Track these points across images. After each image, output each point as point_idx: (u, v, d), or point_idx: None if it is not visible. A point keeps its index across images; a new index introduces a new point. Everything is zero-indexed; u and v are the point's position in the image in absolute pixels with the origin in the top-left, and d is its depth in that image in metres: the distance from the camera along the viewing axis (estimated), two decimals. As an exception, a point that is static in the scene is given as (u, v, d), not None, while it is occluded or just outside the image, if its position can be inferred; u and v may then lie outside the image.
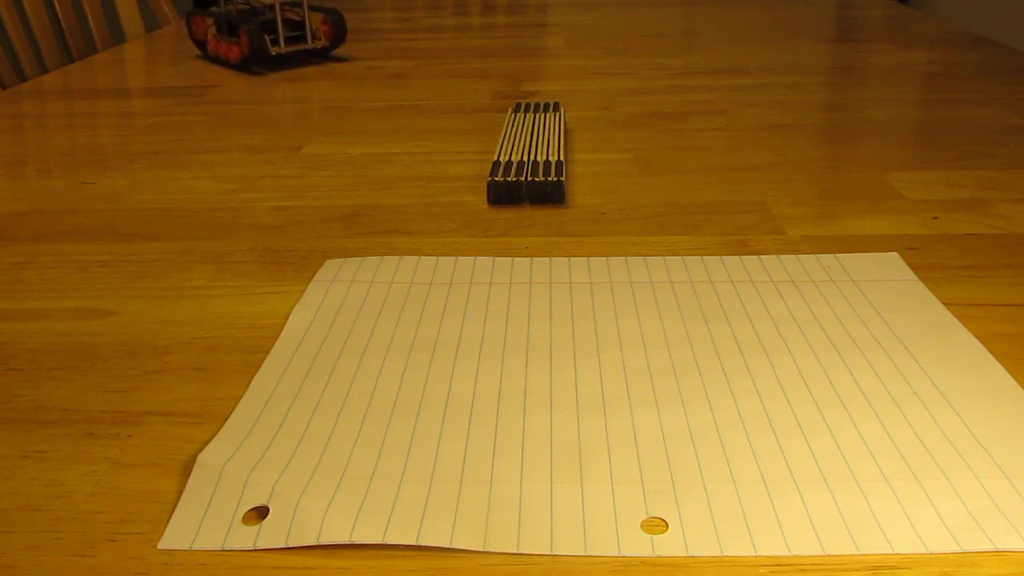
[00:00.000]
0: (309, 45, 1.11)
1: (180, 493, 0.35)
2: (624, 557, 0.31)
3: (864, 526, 0.32)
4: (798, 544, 0.32)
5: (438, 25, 1.44)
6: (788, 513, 0.33)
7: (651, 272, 0.52)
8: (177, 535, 0.33)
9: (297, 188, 0.69)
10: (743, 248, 0.56)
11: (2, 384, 0.43)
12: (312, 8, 1.12)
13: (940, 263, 0.54)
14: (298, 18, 1.12)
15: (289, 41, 1.10)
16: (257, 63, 1.10)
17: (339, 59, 1.16)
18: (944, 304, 0.48)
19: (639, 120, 0.86)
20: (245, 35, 1.05)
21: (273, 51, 1.07)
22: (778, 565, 0.31)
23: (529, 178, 0.64)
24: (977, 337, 0.45)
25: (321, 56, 1.17)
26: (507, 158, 0.69)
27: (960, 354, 0.43)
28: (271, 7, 1.08)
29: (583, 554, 0.32)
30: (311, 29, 1.11)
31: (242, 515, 0.33)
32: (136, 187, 0.69)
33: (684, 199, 0.65)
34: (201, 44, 1.15)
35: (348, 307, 0.49)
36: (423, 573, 0.31)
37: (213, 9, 1.14)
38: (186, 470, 0.36)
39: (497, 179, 0.64)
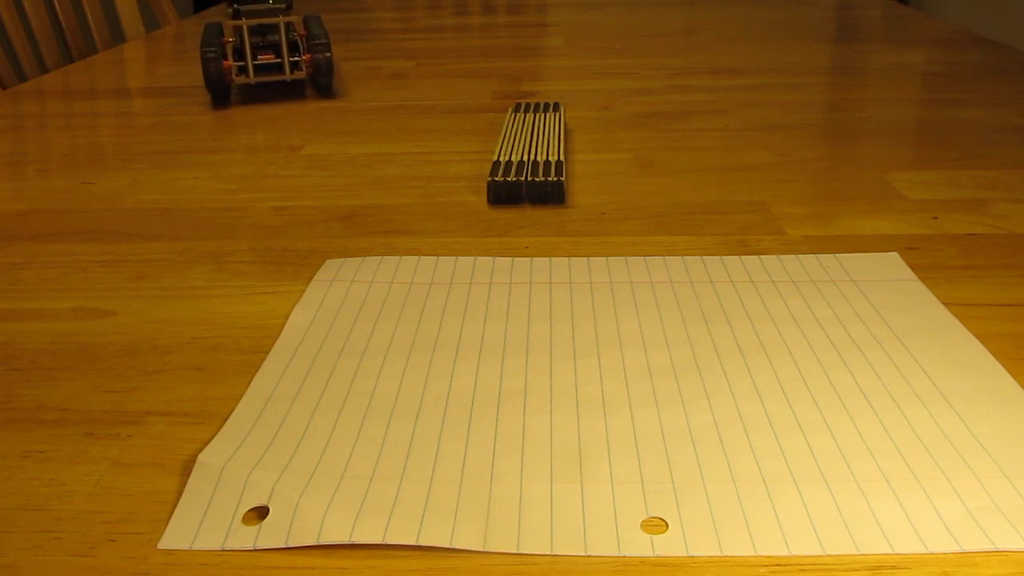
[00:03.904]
0: (288, 76, 0.95)
1: (180, 493, 0.35)
2: (624, 557, 0.31)
3: (864, 526, 0.32)
4: (798, 544, 0.32)
5: (438, 25, 1.44)
6: (788, 513, 0.33)
7: (651, 272, 0.52)
8: (177, 535, 0.33)
9: (297, 188, 0.69)
10: (743, 248, 0.56)
11: (2, 384, 0.43)
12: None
13: (940, 263, 0.54)
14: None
15: (263, 70, 0.94)
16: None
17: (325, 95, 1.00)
18: (944, 304, 0.48)
19: (639, 120, 0.86)
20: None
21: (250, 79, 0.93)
22: (778, 565, 0.31)
23: (529, 178, 0.64)
24: (977, 337, 0.45)
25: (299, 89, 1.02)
26: (507, 158, 0.69)
27: (960, 354, 0.43)
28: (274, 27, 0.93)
29: (583, 554, 0.32)
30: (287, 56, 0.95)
31: (242, 515, 0.33)
32: (136, 187, 0.69)
33: (684, 199, 0.65)
34: (226, 88, 0.95)
35: (348, 307, 0.49)
36: (423, 573, 0.31)
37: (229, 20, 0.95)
38: (186, 470, 0.36)
39: (497, 179, 0.64)
